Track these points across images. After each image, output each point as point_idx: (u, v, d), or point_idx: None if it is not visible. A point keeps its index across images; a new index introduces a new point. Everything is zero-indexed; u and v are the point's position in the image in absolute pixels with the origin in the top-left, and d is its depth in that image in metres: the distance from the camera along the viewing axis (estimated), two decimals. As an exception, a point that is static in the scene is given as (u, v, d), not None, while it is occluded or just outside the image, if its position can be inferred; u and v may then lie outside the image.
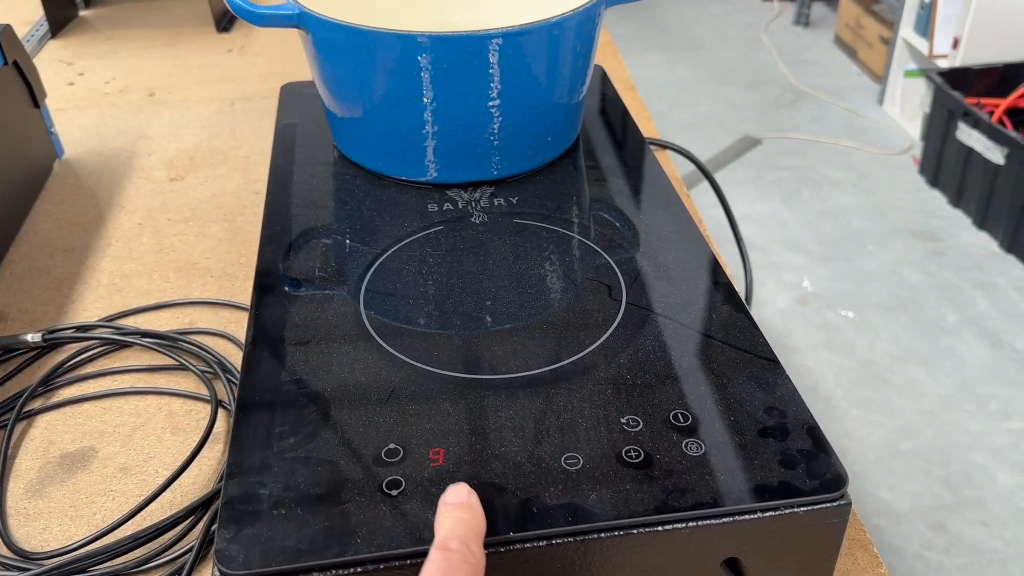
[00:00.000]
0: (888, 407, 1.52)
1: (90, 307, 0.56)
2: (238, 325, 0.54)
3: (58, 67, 0.89)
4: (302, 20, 0.48)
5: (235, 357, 0.51)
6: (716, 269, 0.43)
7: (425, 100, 0.48)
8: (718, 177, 2.22)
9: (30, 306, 0.56)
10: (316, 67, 0.51)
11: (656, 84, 2.64)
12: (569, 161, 0.54)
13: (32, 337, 0.51)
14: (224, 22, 0.97)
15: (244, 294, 0.56)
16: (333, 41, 0.48)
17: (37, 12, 1.03)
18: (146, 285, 0.57)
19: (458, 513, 0.30)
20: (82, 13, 1.02)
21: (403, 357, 0.38)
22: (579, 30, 0.49)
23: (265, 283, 0.44)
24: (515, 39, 0.46)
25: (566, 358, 0.38)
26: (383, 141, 0.51)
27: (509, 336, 0.39)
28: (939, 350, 1.63)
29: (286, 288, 0.43)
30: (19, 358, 0.51)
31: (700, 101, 2.58)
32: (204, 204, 0.66)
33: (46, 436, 0.46)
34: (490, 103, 0.49)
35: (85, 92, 0.83)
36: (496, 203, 0.49)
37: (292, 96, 0.62)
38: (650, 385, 0.36)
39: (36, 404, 0.48)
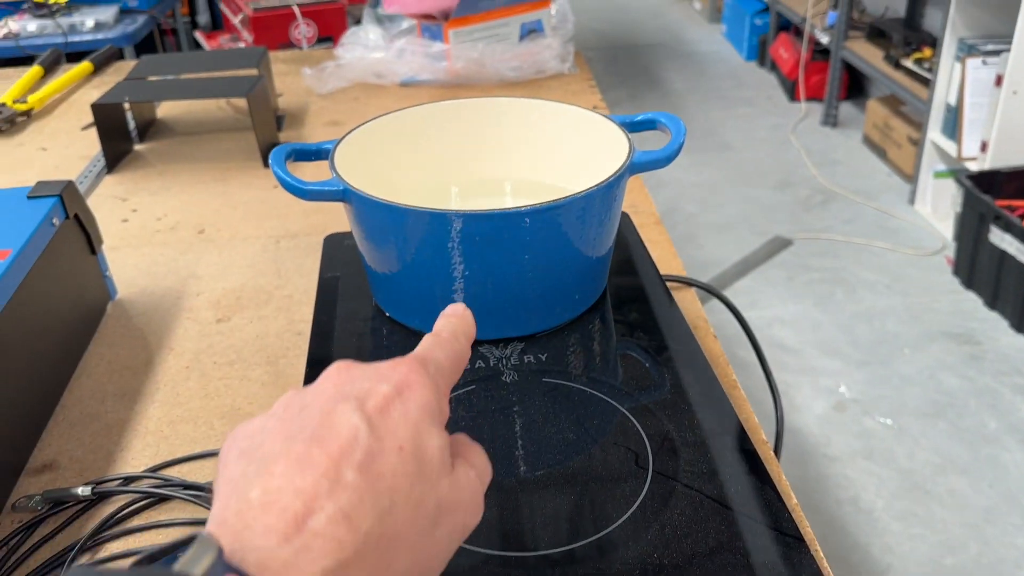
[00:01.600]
0: (930, 520, 1.48)
1: (138, 455, 0.58)
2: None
3: (113, 203, 0.94)
4: (345, 195, 0.51)
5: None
6: (742, 436, 0.45)
7: (457, 267, 0.51)
8: (748, 279, 2.23)
9: (81, 454, 0.58)
10: (358, 233, 0.55)
11: (685, 186, 2.68)
12: (597, 314, 0.56)
13: (82, 491, 0.53)
14: (266, 157, 1.02)
15: (284, 441, 0.58)
16: (372, 214, 0.51)
17: (94, 147, 1.10)
18: (192, 432, 0.60)
19: (452, 318, 0.37)
20: (136, 147, 1.09)
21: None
22: (605, 197, 0.52)
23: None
24: (543, 215, 0.49)
25: (593, 533, 0.39)
26: (418, 300, 0.54)
27: (540, 507, 0.40)
28: (981, 459, 1.59)
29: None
30: (69, 510, 0.54)
31: (729, 202, 2.62)
32: (248, 346, 0.69)
33: (93, 593, 0.48)
34: (519, 269, 0.51)
35: (138, 229, 0.88)
36: (526, 360, 0.51)
37: (334, 247, 0.65)
38: (678, 566, 0.37)
39: (84, 559, 0.50)
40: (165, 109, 1.21)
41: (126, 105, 1.07)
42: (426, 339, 0.36)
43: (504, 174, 0.62)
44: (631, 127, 0.57)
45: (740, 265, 2.30)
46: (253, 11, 1.69)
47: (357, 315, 0.57)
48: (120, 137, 1.05)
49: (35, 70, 1.34)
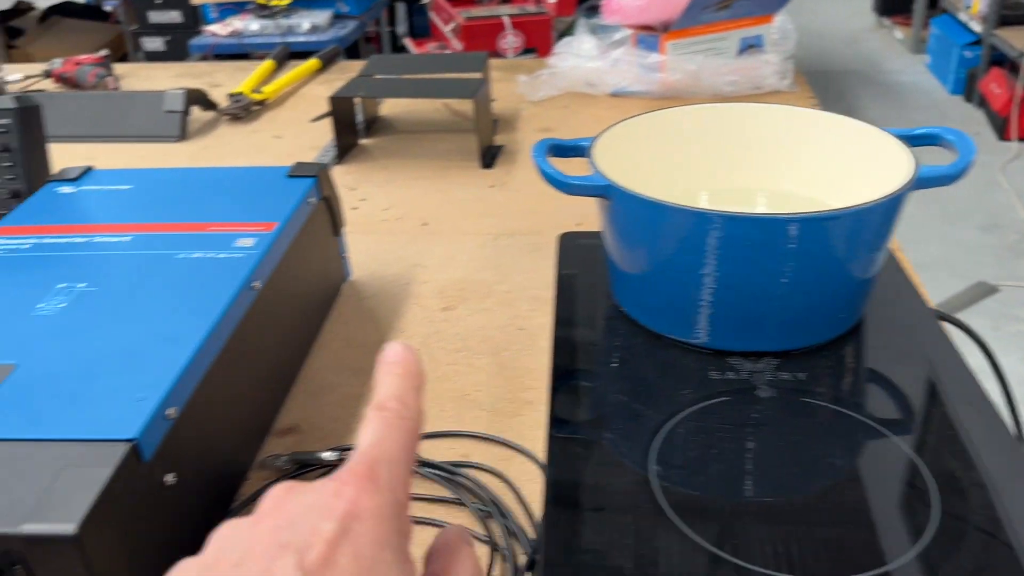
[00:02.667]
0: None
1: (373, 429, 0.60)
2: (507, 463, 0.56)
3: (343, 192, 0.99)
4: (608, 191, 0.51)
5: (506, 497, 0.53)
6: (1039, 482, 0.40)
7: (713, 272, 0.49)
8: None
9: (320, 422, 0.61)
10: (610, 230, 0.54)
11: (879, 220, 2.54)
12: (855, 338, 0.53)
13: (327, 455, 0.56)
14: (487, 158, 1.05)
15: (512, 431, 0.59)
16: (631, 210, 0.51)
17: (323, 138, 1.16)
18: (426, 412, 0.61)
19: (394, 370, 0.30)
20: (362, 141, 1.14)
21: (706, 545, 0.38)
22: (885, 213, 0.49)
23: (558, 437, 0.45)
24: (815, 225, 0.47)
25: (870, 568, 0.36)
26: (666, 303, 0.52)
27: (809, 536, 0.38)
28: None
29: (578, 448, 0.45)
30: (312, 472, 0.56)
31: (929, 241, 2.45)
32: (473, 336, 0.70)
33: (336, 555, 0.50)
34: (780, 280, 0.49)
35: (366, 217, 0.92)
36: (781, 377, 0.49)
37: (570, 246, 0.65)
38: (981, 615, 0.33)
39: (327, 521, 0.52)
40: (387, 107, 1.26)
41: (357, 100, 1.13)
42: (370, 420, 0.30)
43: (756, 184, 0.60)
44: (908, 142, 0.53)
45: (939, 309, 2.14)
46: (465, 20, 1.75)
47: (597, 314, 0.57)
48: (349, 130, 1.11)
49: (268, 64, 1.44)
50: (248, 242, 0.60)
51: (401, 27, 3.71)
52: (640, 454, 0.44)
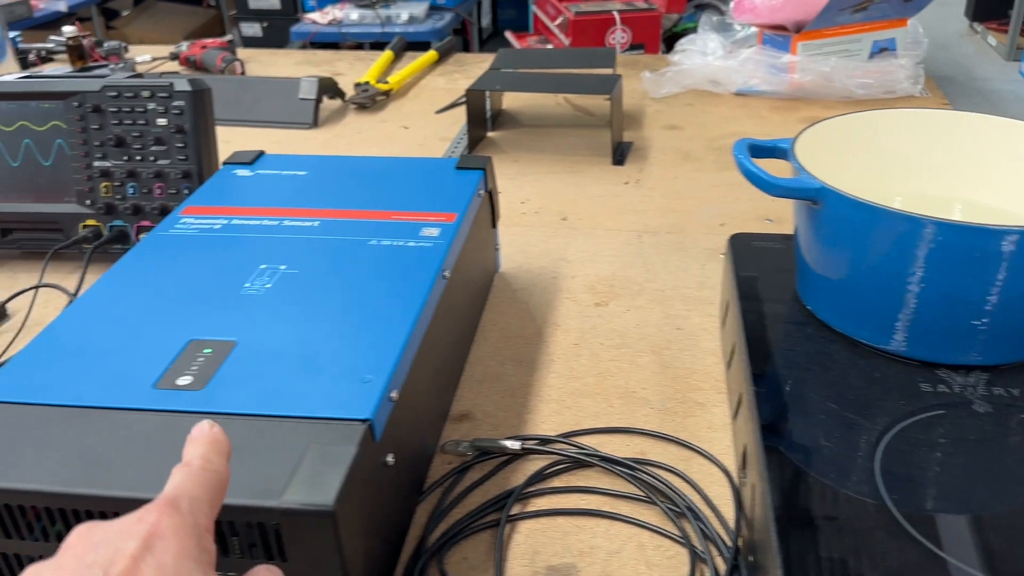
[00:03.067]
0: None
1: (545, 420, 0.61)
2: (687, 463, 0.56)
3: (477, 183, 1.01)
4: (819, 194, 0.51)
5: (693, 497, 0.53)
6: None
7: (919, 280, 0.49)
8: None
9: (492, 410, 0.62)
10: (813, 232, 0.54)
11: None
12: (1062, 355, 0.52)
13: (510, 444, 0.57)
14: (618, 155, 1.05)
15: (686, 432, 0.59)
16: (843, 214, 0.50)
17: (450, 130, 1.17)
18: (592, 406, 0.62)
19: (199, 440, 0.34)
20: (489, 134, 1.15)
21: (953, 560, 0.38)
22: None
23: (771, 446, 0.45)
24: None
25: None
26: (867, 310, 0.52)
27: (1060, 552, 0.38)
28: None
29: (797, 457, 0.45)
30: (492, 460, 0.57)
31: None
32: (630, 333, 0.70)
33: (530, 544, 0.51)
34: (990, 292, 0.48)
35: (506, 211, 0.93)
36: (995, 392, 0.48)
37: (743, 248, 0.65)
38: None
39: (515, 509, 0.53)
40: (508, 100, 1.27)
41: (487, 93, 1.14)
42: (174, 474, 0.33)
43: (951, 193, 0.59)
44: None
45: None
46: (575, 15, 1.75)
47: (786, 318, 0.56)
48: (479, 123, 1.12)
49: (387, 55, 1.47)
50: (433, 232, 0.61)
51: (485, 19, 3.73)
52: (864, 466, 0.43)
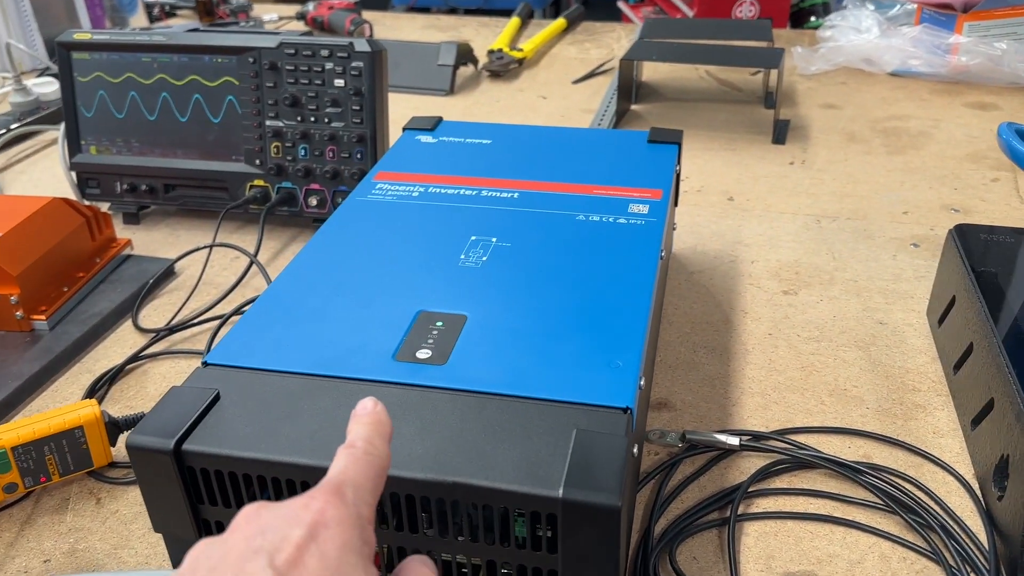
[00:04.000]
0: None
1: (753, 414, 0.57)
2: (917, 470, 0.52)
3: (630, 158, 0.97)
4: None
5: (935, 508, 0.49)
6: None
7: None
8: None
9: (691, 399, 0.59)
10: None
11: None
12: None
13: (727, 439, 0.53)
14: (778, 134, 0.99)
15: (910, 435, 0.55)
16: None
17: (590, 101, 1.14)
18: (801, 402, 0.58)
19: (363, 420, 0.33)
20: (633, 107, 1.11)
21: None
22: None
23: (1062, 459, 0.41)
24: None
25: None
26: None
27: None
28: None
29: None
30: (703, 454, 0.54)
31: None
32: (828, 325, 0.66)
33: (762, 548, 0.47)
34: None
35: (667, 187, 0.89)
36: None
37: (973, 241, 0.60)
38: None
39: (740, 509, 0.50)
40: (647, 72, 1.23)
41: (635, 64, 1.09)
42: (339, 455, 0.32)
43: None
44: None
45: None
46: (701, -15, 1.69)
47: (1037, 319, 0.52)
48: (625, 95, 1.08)
49: (515, 21, 1.43)
50: (642, 208, 0.58)
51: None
52: None
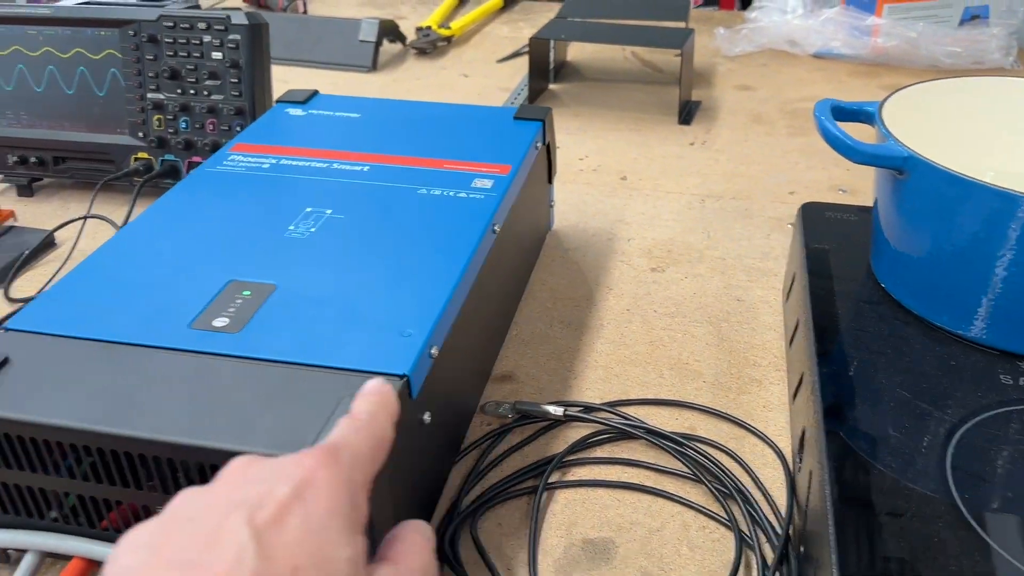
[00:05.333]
0: None
1: (591, 387, 0.58)
2: (739, 443, 0.53)
3: (535, 136, 0.97)
4: (907, 164, 0.46)
5: (743, 479, 0.50)
6: None
7: (1007, 260, 0.44)
8: None
9: (535, 372, 0.60)
10: (895, 205, 0.50)
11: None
12: None
13: (553, 410, 0.54)
14: (684, 114, 1.00)
15: (740, 409, 0.56)
16: (931, 186, 0.46)
17: (510, 80, 1.14)
18: (641, 375, 0.59)
19: (369, 397, 0.34)
20: (551, 86, 1.11)
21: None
22: None
23: (833, 431, 0.42)
24: None
25: None
26: (947, 291, 0.48)
27: None
28: None
29: (862, 445, 0.41)
30: (533, 424, 0.55)
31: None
32: (687, 302, 0.67)
33: (567, 514, 0.48)
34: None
35: (563, 167, 0.89)
36: (1086, 392, 0.44)
37: (816, 218, 0.61)
38: None
39: (554, 477, 0.51)
40: (573, 51, 1.23)
41: (551, 43, 1.10)
42: (340, 423, 0.32)
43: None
44: None
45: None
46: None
47: (857, 296, 0.53)
48: (541, 74, 1.08)
49: (451, 0, 1.43)
50: (486, 183, 0.58)
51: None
52: (934, 460, 0.40)
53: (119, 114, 0.78)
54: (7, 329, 0.44)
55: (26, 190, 0.84)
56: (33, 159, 0.81)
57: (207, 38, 0.74)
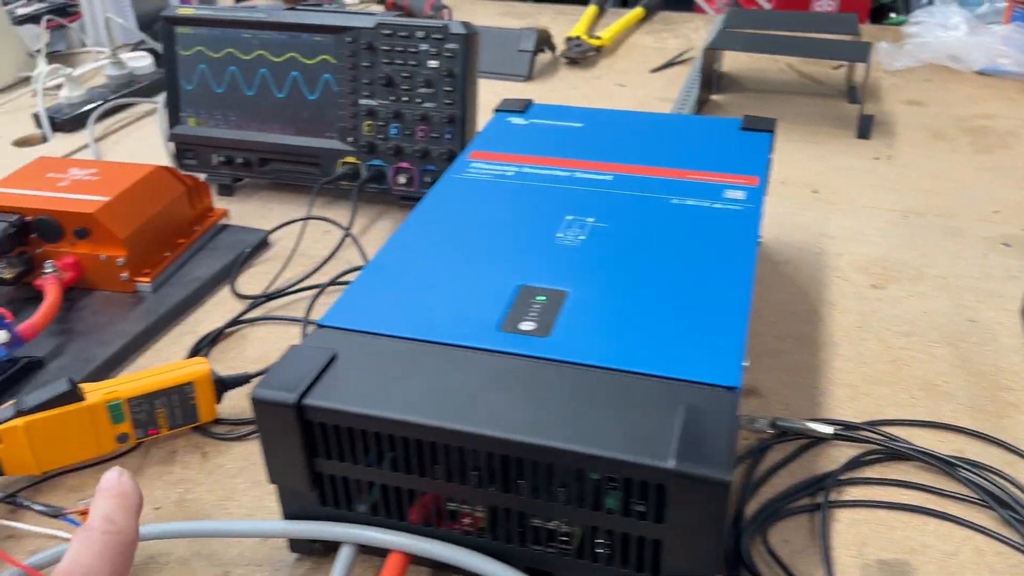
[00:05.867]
0: None
1: (842, 405, 0.57)
2: (1013, 467, 0.52)
3: (711, 148, 0.96)
4: None
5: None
6: None
7: None
8: None
9: (778, 388, 0.59)
10: None
11: None
12: None
13: (821, 428, 0.54)
14: (862, 128, 0.98)
15: (1004, 433, 0.54)
16: None
17: (667, 90, 1.13)
18: (892, 396, 0.58)
19: (104, 495, 0.32)
20: (713, 97, 1.11)
21: None
22: None
23: None
24: None
25: None
26: None
27: None
28: None
29: None
30: (794, 442, 0.54)
31: None
32: (918, 321, 0.66)
33: (854, 534, 0.48)
34: None
35: (749, 178, 0.89)
36: None
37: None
38: None
39: (833, 495, 0.50)
40: (727, 62, 1.22)
41: (717, 54, 1.09)
42: (74, 540, 0.31)
43: None
44: None
45: None
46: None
47: None
48: (706, 85, 1.07)
49: (593, 9, 1.43)
50: (738, 195, 0.58)
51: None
52: None
53: (329, 118, 0.80)
54: (322, 325, 0.46)
55: (227, 189, 0.86)
56: (239, 159, 0.83)
57: (424, 46, 0.75)
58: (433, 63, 0.75)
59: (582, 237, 0.53)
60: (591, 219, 0.55)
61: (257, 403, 0.41)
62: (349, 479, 0.43)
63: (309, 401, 0.40)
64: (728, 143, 0.65)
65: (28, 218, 0.66)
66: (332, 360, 0.43)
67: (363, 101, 0.78)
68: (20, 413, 0.49)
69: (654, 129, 0.68)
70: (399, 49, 0.76)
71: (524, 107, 0.72)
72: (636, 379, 0.41)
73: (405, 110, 0.77)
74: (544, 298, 0.47)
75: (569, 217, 0.55)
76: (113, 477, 0.34)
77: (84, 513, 0.40)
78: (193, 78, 0.82)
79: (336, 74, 0.78)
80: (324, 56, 0.78)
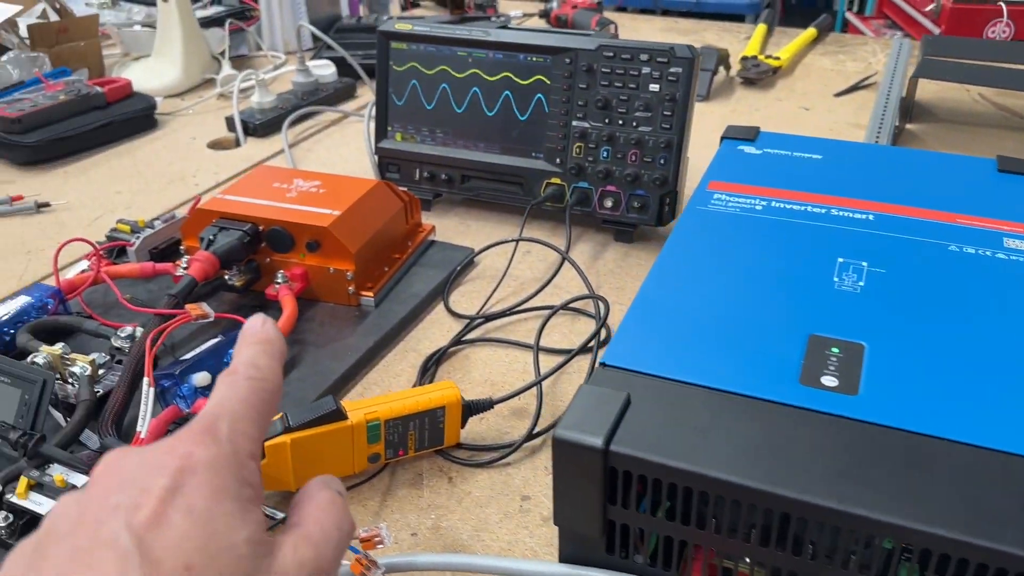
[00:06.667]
0: None
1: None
2: None
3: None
4: None
5: None
6: None
7: None
8: None
9: None
10: None
11: None
12: None
13: None
14: None
15: None
16: None
17: (857, 116, 1.09)
18: None
19: (248, 340, 0.31)
20: (908, 126, 1.06)
21: None
22: None
23: None
24: None
25: None
26: None
27: None
28: None
29: None
30: None
31: None
32: None
33: None
34: None
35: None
36: None
37: None
38: None
39: None
40: (919, 91, 1.16)
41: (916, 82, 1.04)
42: (219, 384, 0.29)
43: None
44: None
45: None
46: (953, 2, 1.59)
47: None
48: (904, 113, 1.03)
49: (762, 28, 1.39)
50: (1019, 244, 0.54)
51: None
52: None
53: (538, 139, 0.79)
54: (606, 365, 0.44)
55: (426, 204, 0.87)
56: (443, 176, 0.84)
57: (646, 69, 0.74)
58: (654, 87, 0.74)
59: (861, 283, 0.50)
60: (864, 263, 0.52)
61: (559, 443, 0.40)
62: (633, 527, 0.41)
63: (615, 447, 0.39)
64: (987, 185, 0.61)
65: (261, 228, 0.67)
66: (627, 403, 0.41)
67: (576, 123, 0.77)
68: (287, 430, 0.50)
69: (902, 165, 0.65)
70: (619, 72, 0.75)
71: (754, 135, 0.70)
72: (977, 452, 0.38)
73: (619, 133, 0.76)
74: (838, 351, 0.45)
75: (841, 260, 0.53)
76: (257, 323, 0.32)
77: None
78: (403, 93, 0.83)
79: (549, 95, 0.78)
80: (539, 76, 0.78)
